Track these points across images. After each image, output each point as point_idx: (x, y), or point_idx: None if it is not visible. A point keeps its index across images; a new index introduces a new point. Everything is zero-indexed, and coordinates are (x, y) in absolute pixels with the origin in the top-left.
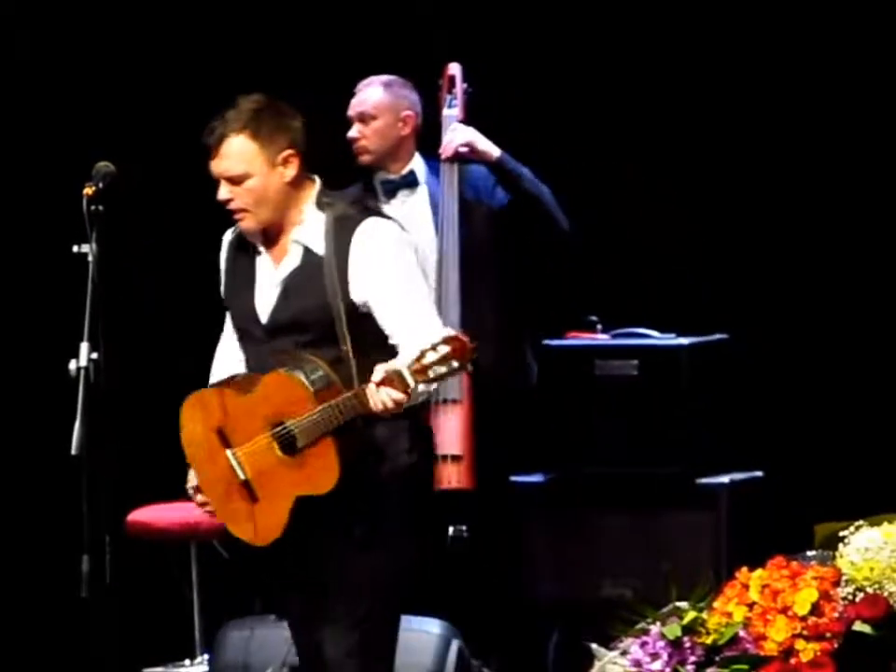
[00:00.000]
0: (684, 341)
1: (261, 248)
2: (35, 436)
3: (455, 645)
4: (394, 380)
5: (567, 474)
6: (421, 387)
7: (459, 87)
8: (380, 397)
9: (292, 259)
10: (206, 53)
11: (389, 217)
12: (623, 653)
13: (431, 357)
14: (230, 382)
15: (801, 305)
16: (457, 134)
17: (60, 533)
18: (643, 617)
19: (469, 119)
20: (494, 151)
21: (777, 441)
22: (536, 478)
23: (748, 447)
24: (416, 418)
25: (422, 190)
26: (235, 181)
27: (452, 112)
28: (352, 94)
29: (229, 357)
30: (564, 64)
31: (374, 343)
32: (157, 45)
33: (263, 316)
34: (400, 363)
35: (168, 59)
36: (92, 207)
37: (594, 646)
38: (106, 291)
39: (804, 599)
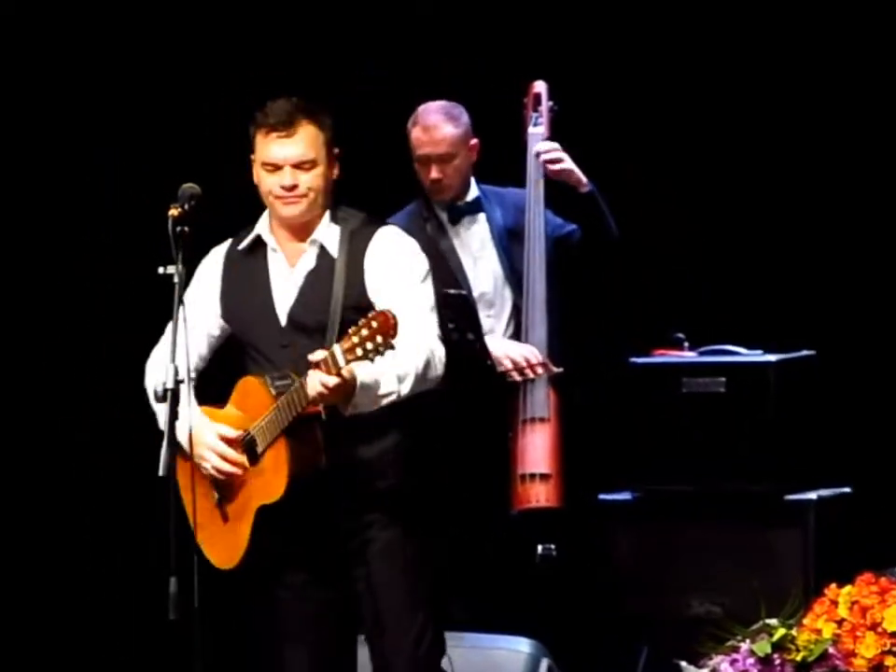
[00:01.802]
0: (771, 357)
1: (276, 248)
2: (123, 458)
3: (544, 663)
4: (327, 362)
5: (655, 492)
6: (386, 387)
7: (545, 105)
8: (312, 382)
9: (308, 260)
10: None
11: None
12: (713, 671)
13: (361, 334)
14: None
15: (888, 320)
16: (559, 155)
17: (147, 555)
18: (732, 634)
19: (554, 138)
20: (585, 180)
21: (864, 456)
22: (624, 496)
23: (835, 463)
24: (406, 435)
25: (482, 216)
26: (303, 167)
27: (537, 130)
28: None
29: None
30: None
31: None
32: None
33: (282, 316)
34: (333, 349)
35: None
36: (178, 228)
37: (683, 664)
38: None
39: (893, 615)
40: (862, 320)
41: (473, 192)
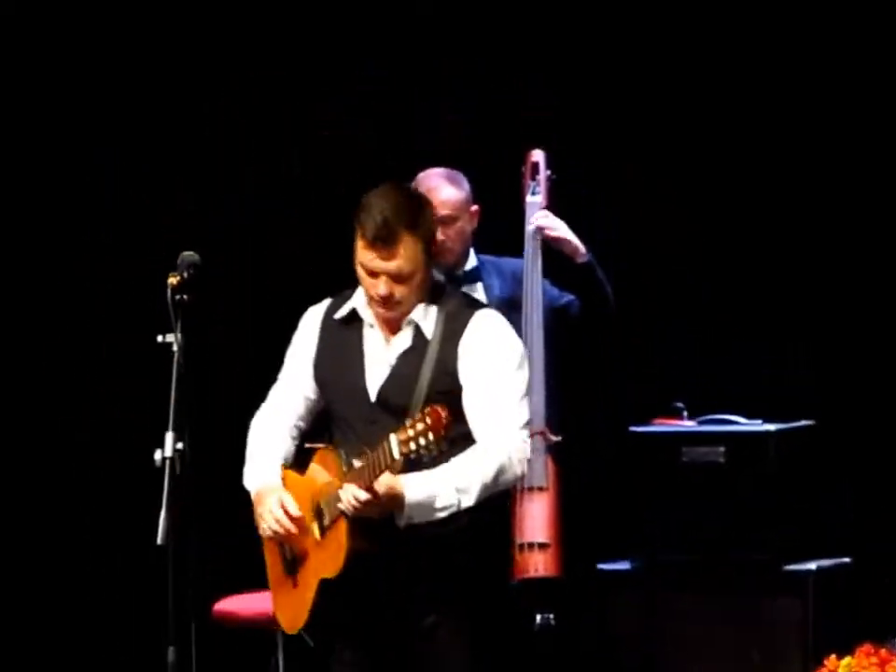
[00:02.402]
0: (771, 427)
1: (374, 324)
2: (120, 526)
3: None
4: (378, 457)
5: (654, 561)
6: (444, 501)
7: (543, 174)
8: (345, 494)
9: (404, 340)
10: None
11: (498, 313)
12: None
13: (416, 428)
14: (308, 455)
15: (888, 391)
16: (557, 224)
17: (146, 623)
18: None
19: (551, 207)
20: (582, 250)
21: (864, 527)
22: (622, 565)
23: (835, 533)
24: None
25: (479, 285)
26: (401, 279)
27: (535, 199)
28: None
29: (278, 433)
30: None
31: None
32: (243, 136)
33: (372, 393)
34: (392, 434)
35: (257, 149)
36: (177, 297)
37: None
38: (192, 381)
39: None
40: (862, 391)
41: (472, 262)
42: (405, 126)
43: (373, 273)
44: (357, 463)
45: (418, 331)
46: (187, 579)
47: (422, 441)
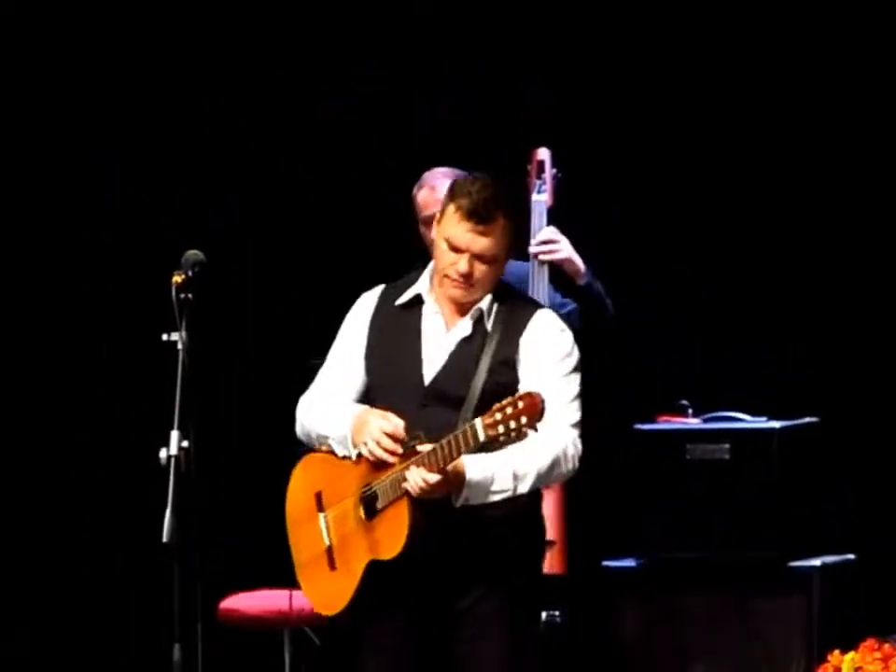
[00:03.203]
0: (776, 424)
1: (438, 310)
2: (125, 524)
3: None
4: (460, 437)
5: (659, 558)
6: (500, 485)
7: (549, 172)
8: (413, 477)
9: (464, 328)
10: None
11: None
12: None
13: (505, 411)
14: None
15: (891, 387)
16: (559, 247)
17: (151, 622)
18: None
19: (557, 206)
20: (582, 271)
21: (868, 523)
22: (628, 563)
23: (839, 530)
24: (528, 508)
25: None
26: (485, 260)
27: (541, 198)
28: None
29: (341, 414)
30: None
31: None
32: (247, 134)
33: (427, 377)
34: (477, 418)
35: (262, 149)
36: (182, 295)
37: None
38: (196, 380)
39: None
40: (866, 388)
41: None
42: (406, 126)
43: (458, 249)
44: (422, 447)
45: (479, 322)
46: (192, 577)
47: (512, 425)
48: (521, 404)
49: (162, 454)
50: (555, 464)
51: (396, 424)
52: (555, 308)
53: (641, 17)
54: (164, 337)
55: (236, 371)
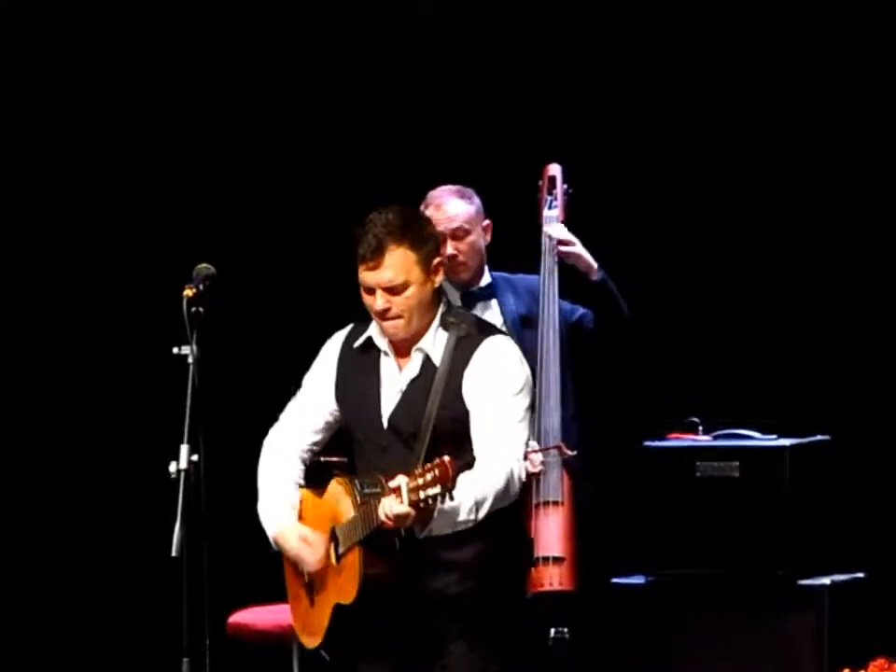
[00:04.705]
0: (786, 442)
1: (389, 352)
2: (135, 538)
3: None
4: (398, 493)
5: (668, 576)
6: (464, 514)
7: (560, 188)
8: (383, 508)
9: (413, 368)
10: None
11: (509, 338)
12: None
13: (425, 478)
14: (322, 480)
15: None
16: (573, 240)
17: (160, 635)
18: None
19: (568, 222)
20: (595, 266)
21: (878, 542)
22: (637, 580)
23: (849, 548)
24: (485, 548)
25: (494, 302)
26: (395, 291)
27: (552, 213)
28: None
29: (291, 459)
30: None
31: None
32: (257, 150)
33: (384, 419)
34: (403, 479)
35: (273, 163)
36: (192, 309)
37: None
38: (207, 393)
39: None
40: (877, 406)
41: (486, 279)
42: (416, 143)
43: (370, 290)
44: (370, 493)
45: (427, 359)
46: (201, 591)
47: (430, 492)
48: (436, 472)
49: (172, 467)
50: (507, 487)
51: (313, 553)
52: (568, 315)
53: (650, 29)
54: (175, 350)
55: (246, 384)
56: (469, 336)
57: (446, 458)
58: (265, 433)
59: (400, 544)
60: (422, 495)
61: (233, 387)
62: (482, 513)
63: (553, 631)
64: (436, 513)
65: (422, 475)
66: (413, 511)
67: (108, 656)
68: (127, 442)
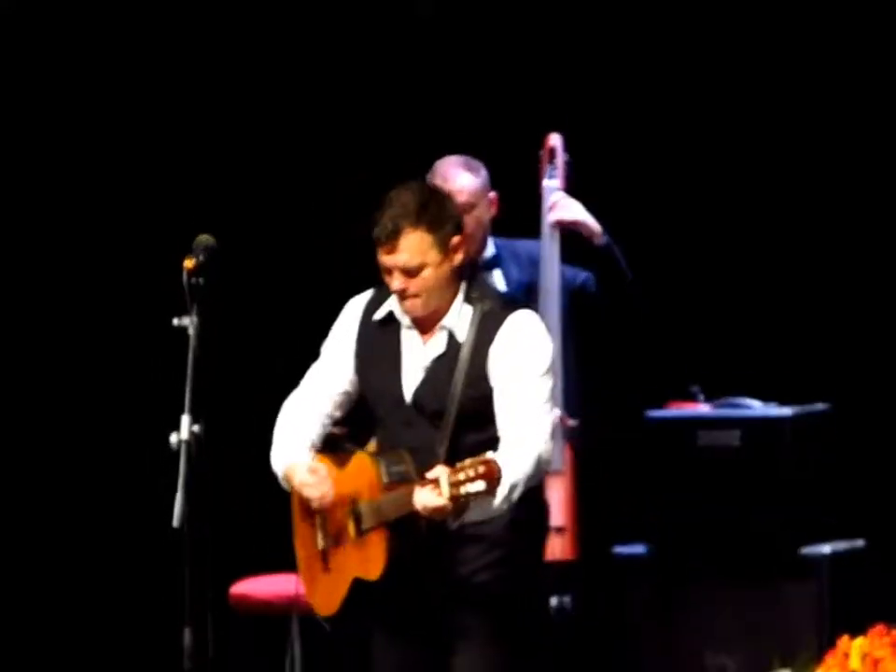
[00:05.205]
0: (787, 411)
1: (411, 326)
2: (136, 509)
3: None
4: (436, 485)
5: (670, 545)
6: (498, 501)
7: (560, 157)
8: (419, 499)
9: (438, 345)
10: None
11: (533, 312)
12: None
13: (467, 473)
14: (337, 450)
15: None
16: (571, 208)
17: (162, 606)
18: None
19: (569, 191)
20: (599, 231)
21: (878, 510)
22: (638, 549)
23: (849, 517)
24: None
25: (497, 272)
26: (411, 273)
27: (552, 183)
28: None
29: (308, 419)
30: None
31: (473, 444)
32: (258, 120)
33: (407, 395)
34: (443, 471)
35: (270, 133)
36: (193, 280)
37: None
38: (207, 364)
39: None
40: (878, 375)
41: (490, 249)
42: (418, 113)
43: (388, 271)
44: (397, 474)
45: (451, 336)
46: (203, 561)
47: (470, 489)
48: (481, 469)
49: (173, 438)
50: (537, 466)
51: (320, 486)
52: (570, 281)
53: (646, 26)
54: (175, 321)
55: (247, 355)
56: (493, 311)
57: (490, 456)
58: (266, 403)
59: (428, 529)
60: (462, 490)
61: (234, 358)
62: (513, 499)
63: (554, 600)
64: (474, 503)
65: (463, 470)
66: (450, 505)
67: (110, 626)
68: (128, 413)
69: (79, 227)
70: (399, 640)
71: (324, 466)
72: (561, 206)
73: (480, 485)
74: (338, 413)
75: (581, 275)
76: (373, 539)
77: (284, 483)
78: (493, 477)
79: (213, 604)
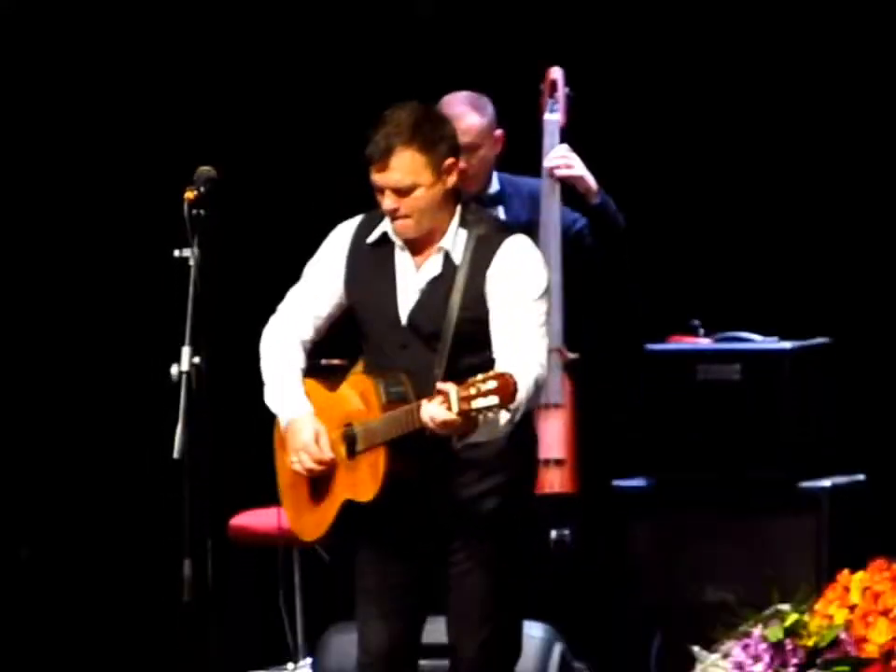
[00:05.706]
0: (787, 345)
1: (405, 247)
2: (137, 440)
3: (557, 648)
4: (445, 399)
5: (669, 478)
6: (502, 421)
7: (561, 91)
8: (427, 411)
9: (433, 266)
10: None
11: (528, 238)
12: (725, 656)
13: (479, 388)
14: (328, 372)
15: None
16: (572, 164)
17: (161, 537)
18: (745, 620)
19: (570, 125)
20: (595, 189)
21: (879, 444)
22: (638, 482)
23: (850, 451)
24: (510, 451)
25: (500, 209)
26: (402, 192)
27: (553, 117)
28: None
29: (293, 346)
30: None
31: (468, 367)
32: (257, 56)
33: (403, 317)
34: (452, 386)
35: (270, 67)
36: (194, 211)
37: (696, 649)
38: (208, 296)
39: None
40: (878, 308)
41: (494, 185)
42: (419, 47)
43: (380, 190)
44: (396, 393)
45: (447, 258)
46: (203, 493)
47: (482, 403)
48: (495, 384)
49: (174, 370)
50: (536, 389)
51: (324, 446)
52: (570, 225)
53: (651, 12)
54: (176, 253)
55: (247, 287)
56: (489, 235)
57: (507, 373)
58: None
59: (430, 447)
60: (474, 405)
61: (235, 290)
62: (516, 420)
63: (553, 533)
64: (482, 423)
65: (474, 385)
66: (459, 420)
67: (109, 557)
68: (128, 345)
69: (81, 158)
70: (388, 559)
71: (324, 429)
72: (561, 160)
73: (493, 400)
74: (319, 336)
75: (580, 221)
76: (366, 461)
77: (283, 429)
78: (508, 392)
79: (212, 536)
